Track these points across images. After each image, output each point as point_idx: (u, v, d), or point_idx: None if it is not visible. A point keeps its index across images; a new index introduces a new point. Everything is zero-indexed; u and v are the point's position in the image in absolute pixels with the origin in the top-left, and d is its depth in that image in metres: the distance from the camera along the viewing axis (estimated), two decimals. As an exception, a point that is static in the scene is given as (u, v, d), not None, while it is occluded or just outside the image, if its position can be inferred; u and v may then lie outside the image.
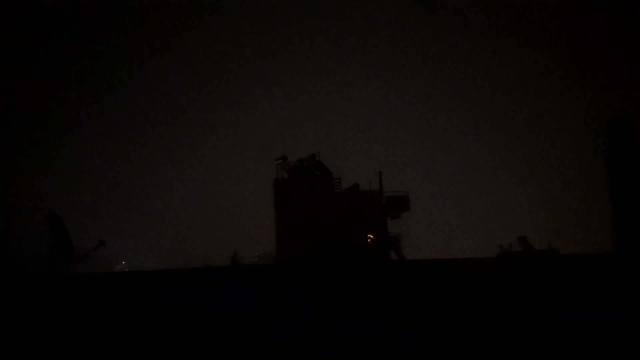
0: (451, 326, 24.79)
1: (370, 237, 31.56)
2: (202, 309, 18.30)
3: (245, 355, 17.98)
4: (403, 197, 31.83)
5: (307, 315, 26.52)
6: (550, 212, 39.30)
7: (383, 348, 23.38)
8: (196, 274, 26.31)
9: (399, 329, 25.30)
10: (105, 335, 17.01)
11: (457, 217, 41.32)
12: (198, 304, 18.64)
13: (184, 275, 26.69)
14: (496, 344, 24.20)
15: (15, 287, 18.66)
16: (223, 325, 18.14)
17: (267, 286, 26.83)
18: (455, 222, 40.67)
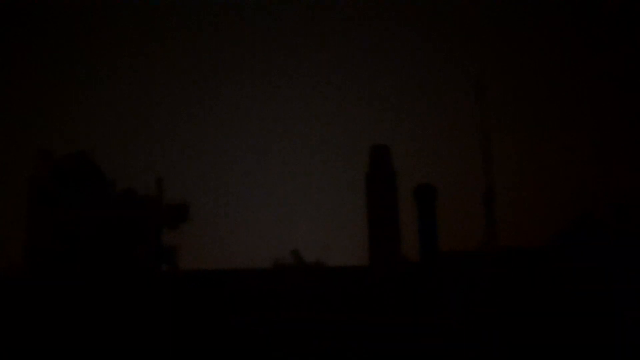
0: (224, 333, 24.35)
1: (140, 247, 29.09)
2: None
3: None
4: (183, 207, 29.90)
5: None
6: (319, 228, 41.12)
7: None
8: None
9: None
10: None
11: (236, 228, 40.67)
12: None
13: None
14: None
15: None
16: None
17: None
18: (234, 234, 39.93)
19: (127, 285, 26.55)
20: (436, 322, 24.70)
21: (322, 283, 27.91)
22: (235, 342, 25.02)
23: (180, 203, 29.81)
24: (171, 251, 29.78)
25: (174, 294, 26.75)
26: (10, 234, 29.83)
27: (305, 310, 25.97)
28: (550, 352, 21.64)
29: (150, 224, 28.92)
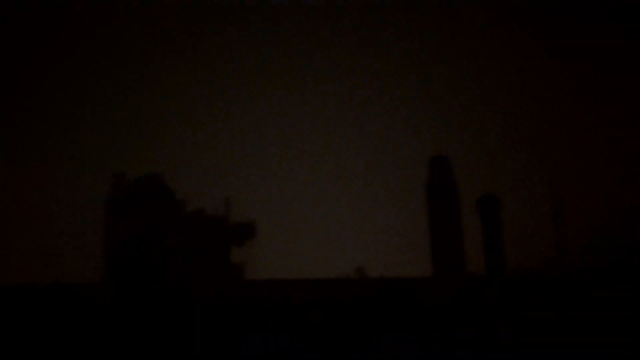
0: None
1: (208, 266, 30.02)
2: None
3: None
4: (249, 225, 30.77)
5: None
6: (382, 243, 40.74)
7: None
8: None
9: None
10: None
11: (303, 244, 41.16)
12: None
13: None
14: None
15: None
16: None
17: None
18: (302, 248, 40.45)
19: (198, 303, 27.17)
20: (498, 340, 24.15)
21: (385, 295, 27.90)
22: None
23: (247, 222, 30.78)
24: (239, 268, 30.63)
25: (241, 308, 27.18)
26: (89, 253, 31.29)
27: (368, 322, 25.98)
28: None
29: (218, 242, 29.86)
